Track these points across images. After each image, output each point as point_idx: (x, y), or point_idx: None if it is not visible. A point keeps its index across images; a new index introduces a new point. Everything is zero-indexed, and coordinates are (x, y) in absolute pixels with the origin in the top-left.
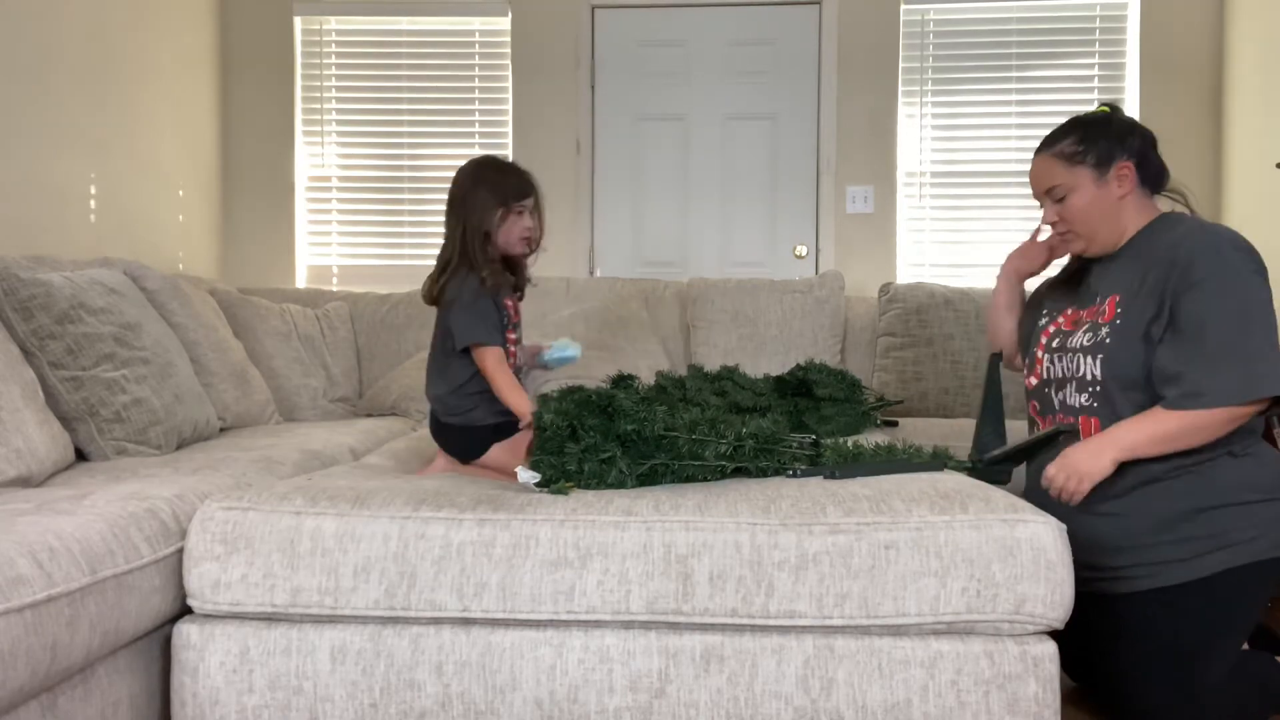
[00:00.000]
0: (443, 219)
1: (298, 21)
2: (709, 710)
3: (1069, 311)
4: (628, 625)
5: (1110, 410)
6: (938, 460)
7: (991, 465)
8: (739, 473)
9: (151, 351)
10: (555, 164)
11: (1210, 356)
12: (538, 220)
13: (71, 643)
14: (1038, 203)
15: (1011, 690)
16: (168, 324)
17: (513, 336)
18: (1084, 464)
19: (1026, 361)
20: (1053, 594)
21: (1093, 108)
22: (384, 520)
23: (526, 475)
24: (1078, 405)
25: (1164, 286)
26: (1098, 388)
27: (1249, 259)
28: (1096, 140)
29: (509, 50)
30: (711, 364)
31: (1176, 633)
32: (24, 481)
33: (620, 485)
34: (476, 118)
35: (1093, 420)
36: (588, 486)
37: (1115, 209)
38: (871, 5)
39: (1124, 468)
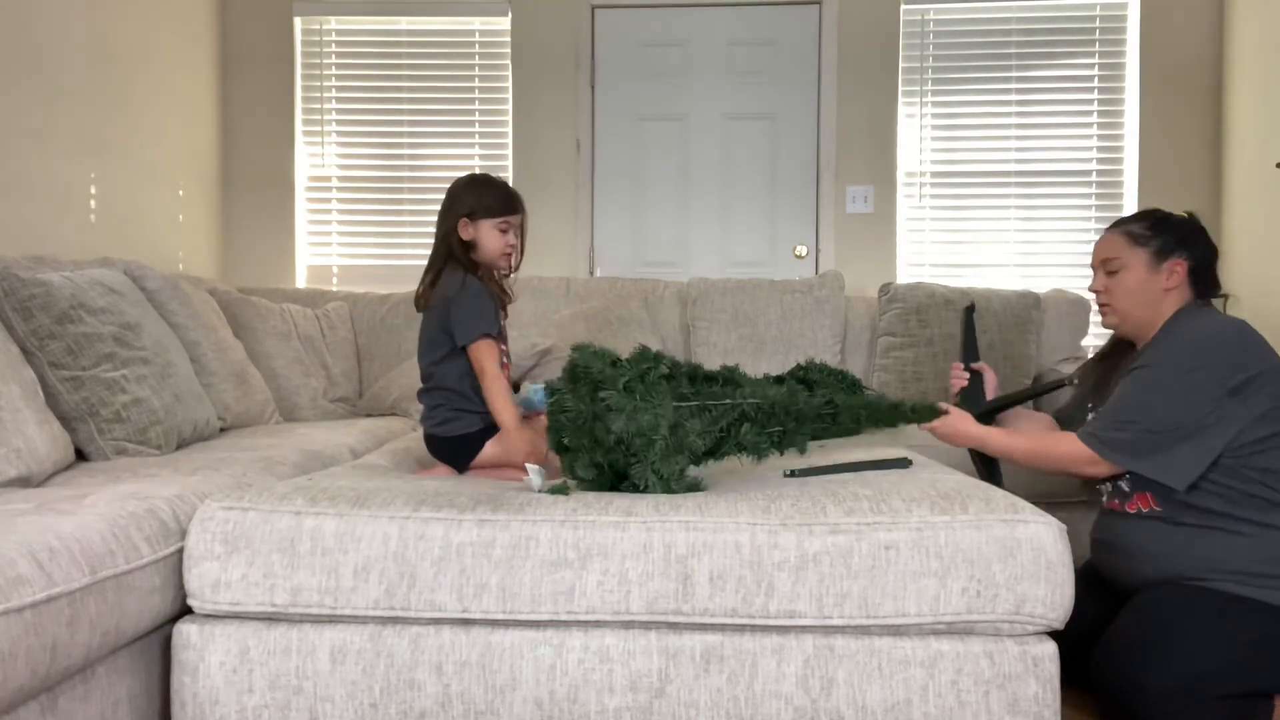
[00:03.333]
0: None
1: (298, 21)
2: (709, 710)
3: (1099, 408)
4: (628, 625)
5: (1160, 485)
6: (904, 459)
7: (985, 416)
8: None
9: (151, 351)
10: (555, 164)
11: (1113, 414)
12: (520, 242)
13: (71, 642)
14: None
15: (1011, 690)
16: (168, 324)
17: (505, 348)
18: (962, 426)
19: None
20: (1053, 594)
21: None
22: (384, 520)
23: (536, 478)
24: (1126, 489)
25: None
26: (1129, 473)
27: (1206, 355)
28: (1163, 232)
29: (509, 50)
30: (711, 364)
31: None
32: (24, 481)
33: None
34: (476, 118)
35: (1147, 494)
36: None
37: (1156, 298)
38: (871, 5)
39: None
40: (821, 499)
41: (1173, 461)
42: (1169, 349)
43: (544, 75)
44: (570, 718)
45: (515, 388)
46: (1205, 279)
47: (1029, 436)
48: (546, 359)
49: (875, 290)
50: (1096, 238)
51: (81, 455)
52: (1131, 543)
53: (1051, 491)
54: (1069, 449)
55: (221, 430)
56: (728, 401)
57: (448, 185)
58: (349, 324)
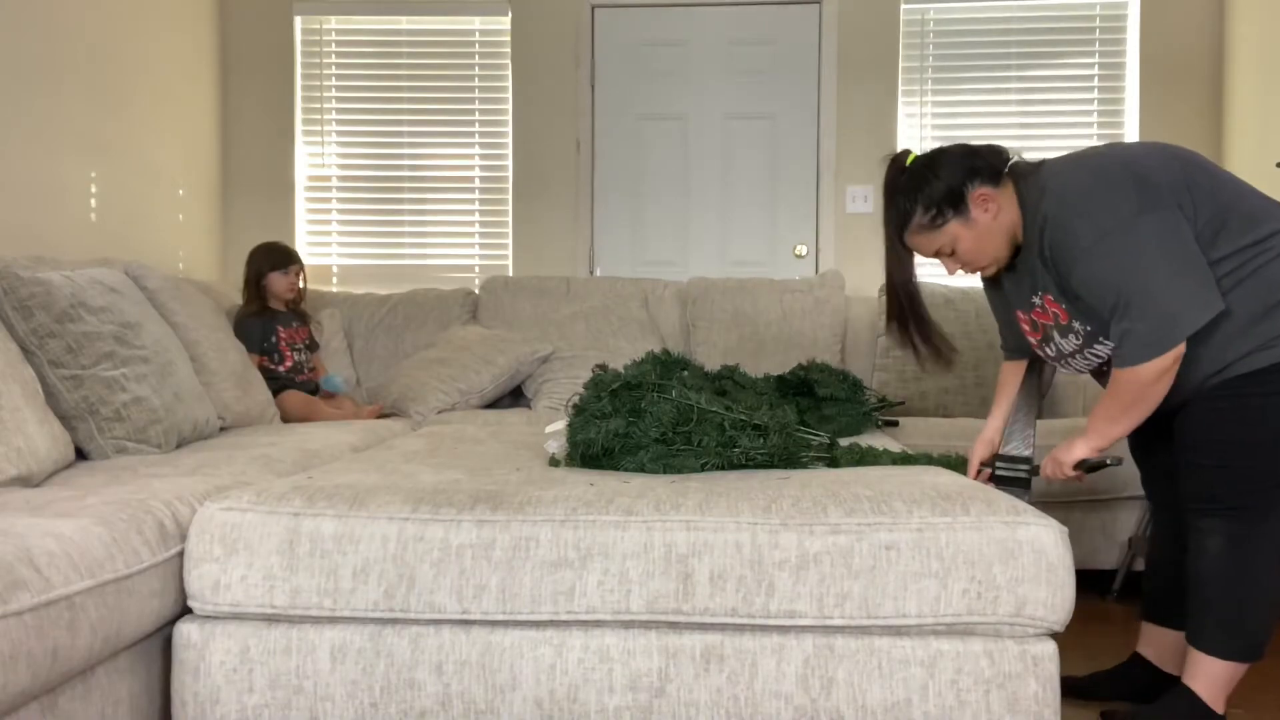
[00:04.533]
0: (441, 219)
1: (298, 21)
2: (709, 709)
3: (1021, 315)
4: (628, 625)
5: None
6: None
7: (1009, 463)
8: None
9: (151, 350)
10: (555, 164)
11: (1122, 319)
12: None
13: (73, 646)
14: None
15: (1011, 690)
16: (168, 323)
17: (290, 355)
18: (1060, 454)
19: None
20: (1054, 597)
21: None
22: (382, 521)
23: (553, 444)
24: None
25: (1055, 274)
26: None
27: (1106, 199)
28: (935, 194)
29: (509, 50)
30: (711, 364)
31: (1254, 419)
32: (24, 481)
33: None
34: (476, 118)
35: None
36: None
37: (997, 227)
38: (871, 5)
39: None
40: (822, 499)
41: (1199, 298)
42: (1079, 224)
43: (544, 75)
44: (570, 717)
45: (314, 389)
46: (988, 166)
47: (1099, 406)
48: (547, 363)
49: (875, 290)
50: None
51: (81, 454)
52: None
53: (1051, 492)
54: (1136, 380)
55: (221, 429)
56: (737, 449)
57: (448, 185)
58: (349, 325)
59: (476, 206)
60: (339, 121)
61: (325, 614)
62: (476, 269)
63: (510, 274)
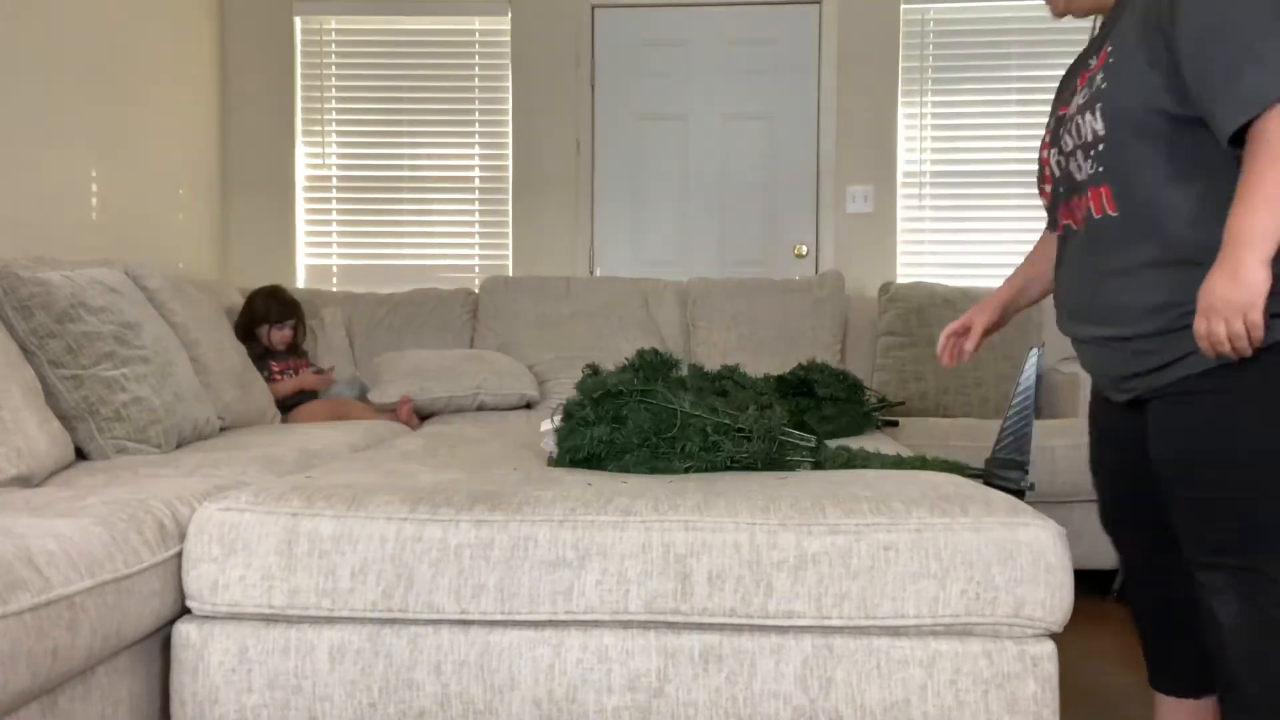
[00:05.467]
0: (441, 219)
1: (298, 21)
2: (707, 709)
3: (1060, 112)
4: (626, 625)
5: (1123, 172)
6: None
7: (1002, 468)
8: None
9: (151, 350)
10: (555, 164)
11: (1229, 66)
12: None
13: (73, 645)
14: (1038, 196)
15: (1010, 690)
16: (168, 323)
17: (278, 367)
18: (1228, 292)
19: (1040, 182)
20: (1052, 597)
21: None
22: (380, 522)
23: (550, 440)
24: (1085, 177)
25: (1155, 21)
26: (1101, 145)
27: None
28: None
29: (509, 50)
30: (711, 364)
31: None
32: (24, 481)
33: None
34: (476, 118)
35: (1102, 189)
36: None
37: None
38: (871, 5)
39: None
40: (821, 499)
41: None
42: None
43: (544, 75)
44: (569, 717)
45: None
46: None
47: (1240, 199)
48: (547, 363)
49: (875, 290)
50: None
51: (81, 454)
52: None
53: (1051, 492)
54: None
55: (221, 430)
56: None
57: (448, 185)
58: (349, 325)
59: (476, 206)
60: (339, 121)
61: (324, 614)
62: (476, 269)
63: (510, 274)
